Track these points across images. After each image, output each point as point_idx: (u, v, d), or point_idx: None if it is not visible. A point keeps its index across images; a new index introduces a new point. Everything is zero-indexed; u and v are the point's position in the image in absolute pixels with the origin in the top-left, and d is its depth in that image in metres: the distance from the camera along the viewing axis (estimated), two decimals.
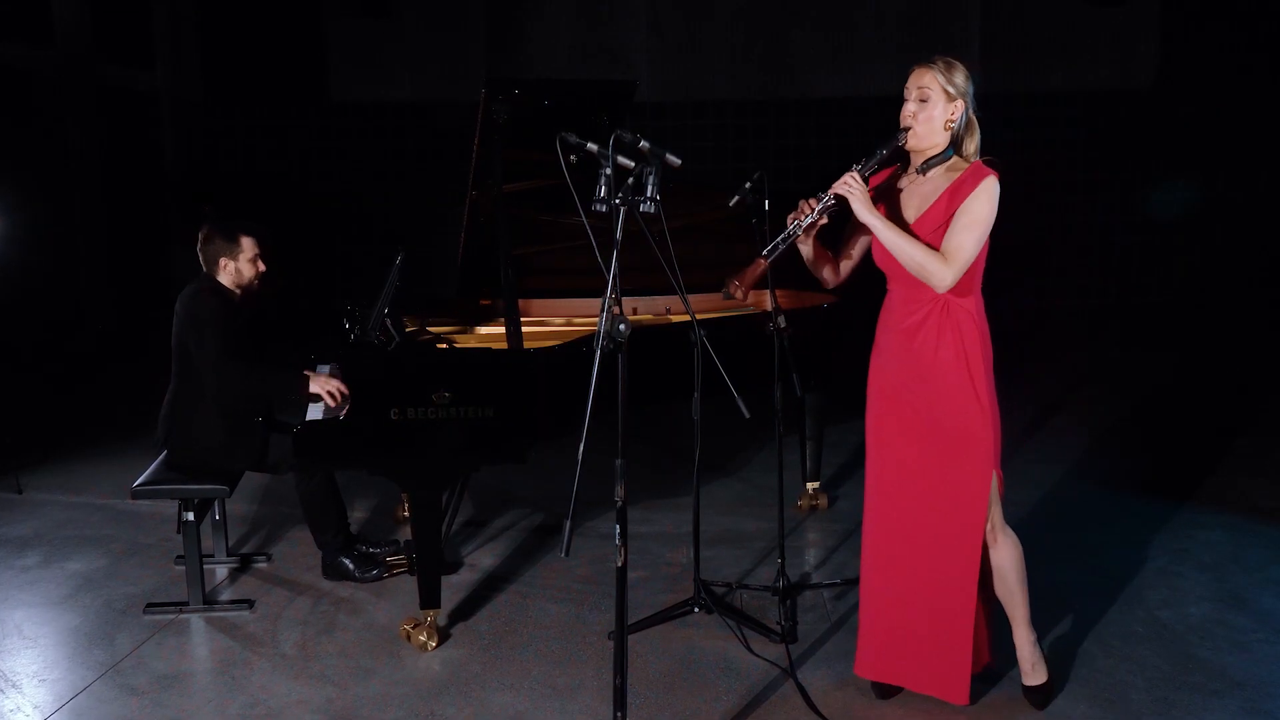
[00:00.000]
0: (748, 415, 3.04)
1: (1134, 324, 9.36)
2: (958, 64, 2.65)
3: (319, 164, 10.07)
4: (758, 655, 3.22)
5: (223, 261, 3.72)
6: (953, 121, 2.66)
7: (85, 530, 4.45)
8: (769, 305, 3.38)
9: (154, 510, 4.54)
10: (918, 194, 2.73)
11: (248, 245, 3.74)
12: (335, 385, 3.53)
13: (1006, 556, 2.82)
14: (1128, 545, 4.06)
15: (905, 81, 2.70)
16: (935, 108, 2.63)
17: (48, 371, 7.41)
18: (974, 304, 2.72)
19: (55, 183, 8.13)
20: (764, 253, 2.68)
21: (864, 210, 2.62)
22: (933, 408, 2.72)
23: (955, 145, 2.70)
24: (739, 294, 2.69)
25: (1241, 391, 6.62)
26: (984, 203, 2.59)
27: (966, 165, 2.68)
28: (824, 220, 2.73)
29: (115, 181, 8.69)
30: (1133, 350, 8.23)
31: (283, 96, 9.89)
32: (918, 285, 2.69)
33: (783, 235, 2.69)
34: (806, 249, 2.84)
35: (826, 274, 2.94)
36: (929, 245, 2.64)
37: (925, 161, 2.70)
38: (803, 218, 2.70)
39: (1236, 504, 4.51)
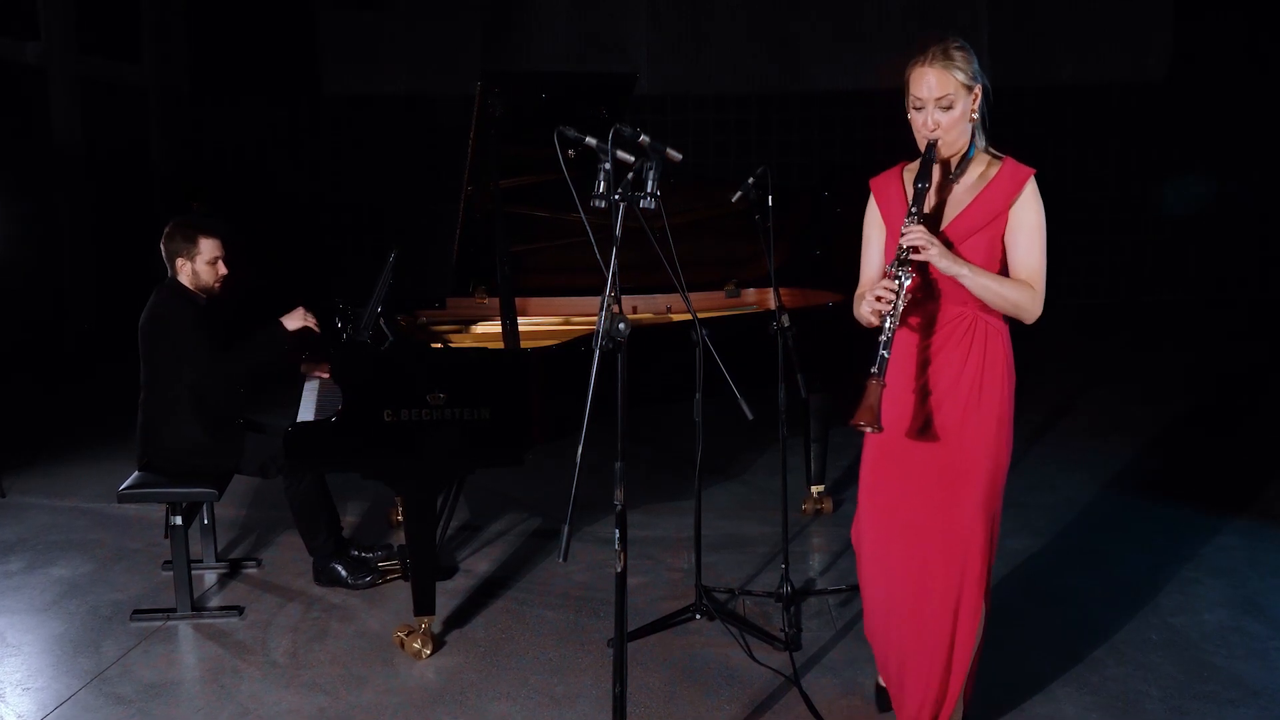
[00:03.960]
0: (750, 417, 2.99)
1: (1146, 323, 9.31)
2: (954, 46, 2.38)
3: (310, 159, 10.01)
4: (761, 663, 3.17)
5: (180, 261, 3.66)
6: (975, 111, 2.42)
7: (70, 535, 4.39)
8: (772, 303, 3.31)
9: (141, 514, 4.49)
10: (948, 197, 2.50)
11: (207, 247, 3.66)
12: (311, 319, 3.68)
13: None
14: (1141, 550, 4.01)
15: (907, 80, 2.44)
16: (959, 108, 2.39)
17: (32, 371, 7.35)
18: (1002, 319, 2.49)
19: (39, 178, 8.06)
20: (874, 370, 2.33)
21: (949, 264, 2.34)
22: (941, 436, 2.47)
23: (972, 135, 2.48)
24: (873, 427, 2.33)
25: (1256, 393, 6.57)
26: (1036, 210, 2.40)
27: (995, 160, 2.47)
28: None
29: (101, 177, 8.61)
30: (1144, 350, 8.18)
31: (273, 90, 9.82)
32: (945, 298, 2.45)
33: (883, 341, 2.34)
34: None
35: None
36: (986, 267, 2.40)
37: (958, 166, 2.47)
38: (886, 311, 2.36)
39: (1252, 509, 4.45)
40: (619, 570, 2.37)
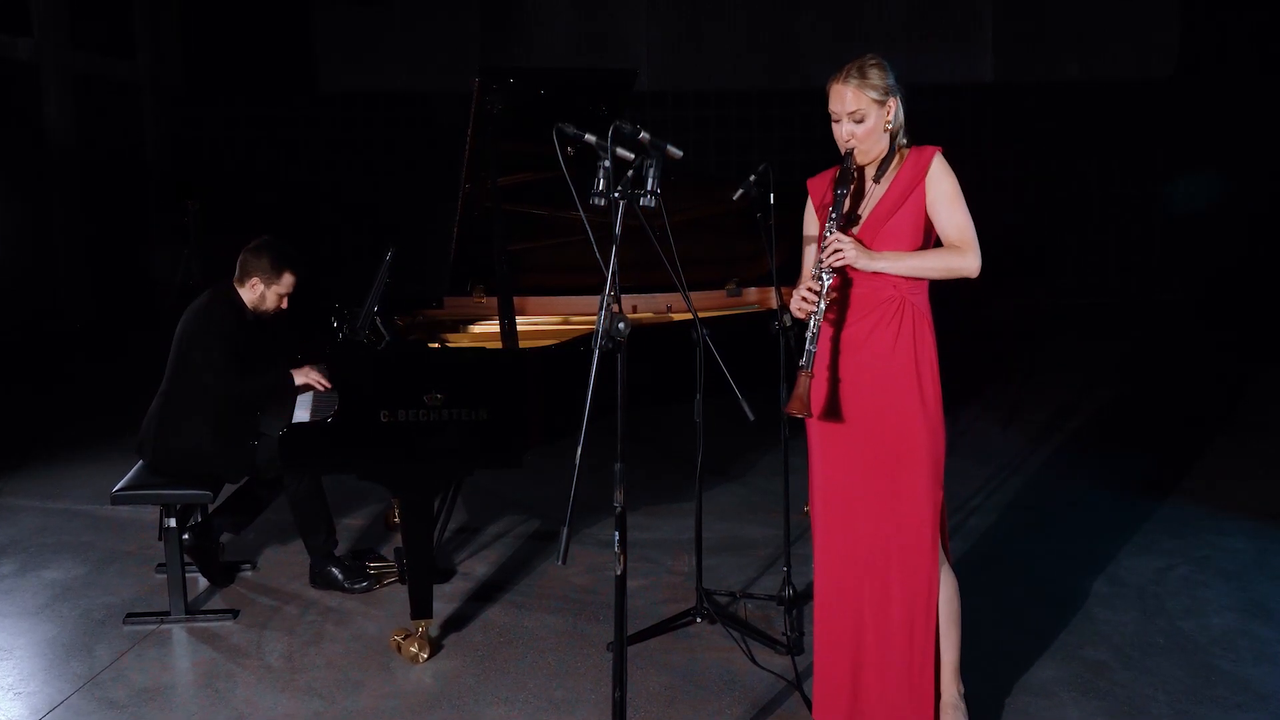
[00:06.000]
0: (751, 417, 2.98)
1: (1152, 322, 9.27)
2: (870, 64, 2.55)
3: (306, 157, 9.97)
4: (762, 667, 3.15)
5: (255, 280, 3.69)
6: (889, 121, 2.58)
7: (63, 537, 4.36)
8: (774, 303, 3.28)
9: (134, 517, 4.46)
10: (867, 194, 2.66)
11: (287, 282, 3.72)
12: (315, 376, 3.61)
13: (940, 592, 2.66)
14: (1147, 553, 3.99)
15: (841, 88, 2.57)
16: (871, 120, 2.56)
17: (24, 371, 7.30)
18: (927, 301, 2.62)
19: (32, 176, 8.03)
20: (802, 363, 2.55)
21: (869, 261, 2.53)
22: (879, 420, 2.59)
23: (893, 138, 2.63)
24: (804, 414, 2.56)
25: (1263, 393, 6.55)
26: (948, 178, 2.58)
27: (905, 151, 2.62)
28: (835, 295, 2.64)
29: (95, 174, 8.58)
30: (1148, 350, 8.14)
31: (269, 86, 9.78)
32: (874, 282, 2.58)
33: (809, 336, 2.54)
34: None
35: None
36: (900, 241, 2.58)
37: (878, 170, 2.63)
38: (810, 310, 2.56)
39: (1259, 510, 4.42)
40: (619, 573, 2.36)
